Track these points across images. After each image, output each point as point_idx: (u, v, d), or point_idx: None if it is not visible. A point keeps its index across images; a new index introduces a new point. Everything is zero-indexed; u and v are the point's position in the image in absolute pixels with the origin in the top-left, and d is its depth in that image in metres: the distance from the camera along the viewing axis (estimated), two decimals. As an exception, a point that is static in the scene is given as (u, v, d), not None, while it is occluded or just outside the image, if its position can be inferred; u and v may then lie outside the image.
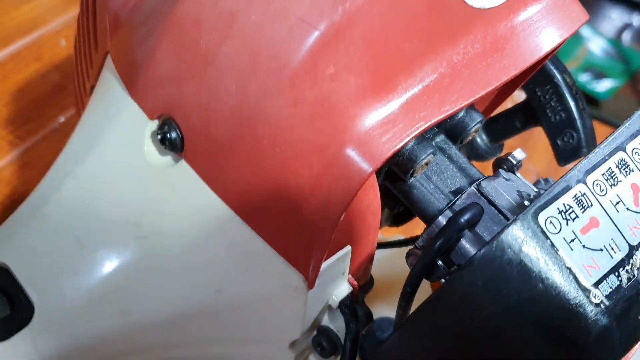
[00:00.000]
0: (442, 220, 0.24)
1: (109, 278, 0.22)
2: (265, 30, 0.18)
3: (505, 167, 0.26)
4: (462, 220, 0.22)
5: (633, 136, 0.21)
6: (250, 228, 0.21)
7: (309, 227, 0.20)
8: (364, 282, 0.25)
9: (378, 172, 0.25)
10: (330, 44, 0.18)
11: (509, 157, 0.26)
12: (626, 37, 1.15)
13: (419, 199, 0.24)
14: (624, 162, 0.21)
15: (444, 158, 0.25)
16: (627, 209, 0.20)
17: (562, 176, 0.20)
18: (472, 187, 0.24)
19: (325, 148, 0.19)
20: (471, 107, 0.26)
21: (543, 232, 0.19)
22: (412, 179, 0.24)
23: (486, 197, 0.23)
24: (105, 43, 0.24)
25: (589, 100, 1.33)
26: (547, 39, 0.22)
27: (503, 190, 0.24)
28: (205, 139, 0.20)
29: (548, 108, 0.30)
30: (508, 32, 0.21)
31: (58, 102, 0.48)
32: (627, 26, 1.20)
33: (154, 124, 0.22)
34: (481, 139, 0.33)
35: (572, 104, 0.29)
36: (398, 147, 0.19)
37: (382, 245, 0.31)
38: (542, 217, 0.19)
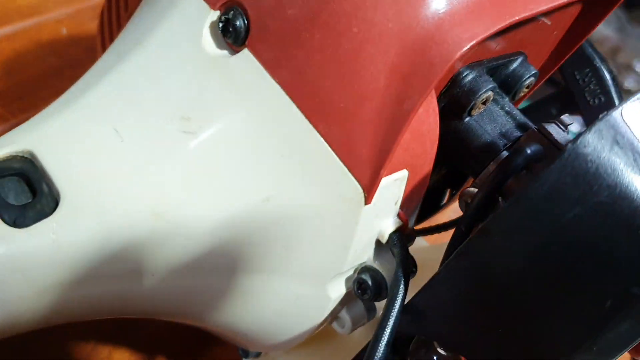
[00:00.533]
0: (505, 154, 0.22)
1: (144, 173, 0.19)
2: None
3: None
4: (529, 150, 0.21)
5: None
6: (312, 125, 0.19)
7: (377, 126, 0.19)
8: (410, 225, 0.23)
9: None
10: None
11: (561, 120, 0.26)
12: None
13: (477, 138, 0.23)
14: None
15: (498, 108, 0.24)
16: None
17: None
18: (533, 128, 0.23)
19: (405, 31, 0.18)
20: (526, 60, 0.25)
21: (632, 132, 0.18)
22: (469, 117, 0.23)
23: (548, 138, 0.22)
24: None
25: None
26: None
27: (563, 133, 0.23)
28: (276, 20, 0.19)
29: (587, 92, 0.29)
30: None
31: (53, 85, 0.46)
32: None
33: (215, 14, 0.20)
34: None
35: (612, 87, 0.29)
36: (484, 35, 0.18)
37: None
38: (627, 114, 0.18)
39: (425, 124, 0.21)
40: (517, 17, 0.19)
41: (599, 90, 0.29)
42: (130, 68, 0.21)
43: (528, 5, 0.19)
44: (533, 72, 0.25)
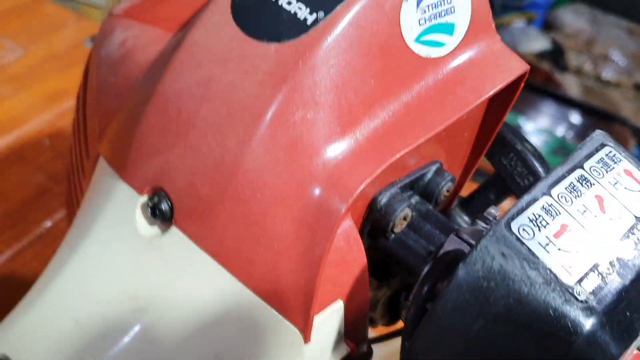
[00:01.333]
0: (426, 269, 0.24)
1: (105, 354, 0.22)
2: (238, 87, 0.21)
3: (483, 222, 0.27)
4: (447, 258, 0.23)
5: (588, 156, 0.23)
6: (243, 284, 0.22)
7: (296, 274, 0.21)
8: (361, 349, 0.25)
9: (361, 232, 0.26)
10: (296, 90, 0.20)
11: (486, 214, 0.27)
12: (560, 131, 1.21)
13: (403, 254, 0.25)
14: (584, 178, 0.22)
15: (421, 218, 0.27)
16: (595, 215, 0.21)
17: (527, 191, 0.21)
18: (452, 234, 0.25)
19: (301, 189, 0.21)
20: (441, 168, 0.27)
21: (518, 239, 0.19)
22: (393, 235, 0.25)
23: (466, 241, 0.24)
24: (95, 147, 0.26)
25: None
26: (490, 83, 0.24)
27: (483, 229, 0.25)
28: (194, 200, 0.22)
29: (516, 174, 0.31)
30: (455, 77, 0.23)
31: (43, 206, 0.48)
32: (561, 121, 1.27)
33: (143, 198, 0.23)
34: (462, 219, 0.34)
35: (537, 166, 0.31)
36: (368, 180, 0.21)
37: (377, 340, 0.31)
38: (514, 226, 0.20)
39: (349, 254, 0.23)
40: (397, 155, 0.21)
41: (526, 172, 0.31)
42: (81, 261, 0.23)
43: (406, 141, 0.22)
44: (448, 178, 0.27)
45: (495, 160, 0.32)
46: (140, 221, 0.23)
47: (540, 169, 0.31)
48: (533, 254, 0.19)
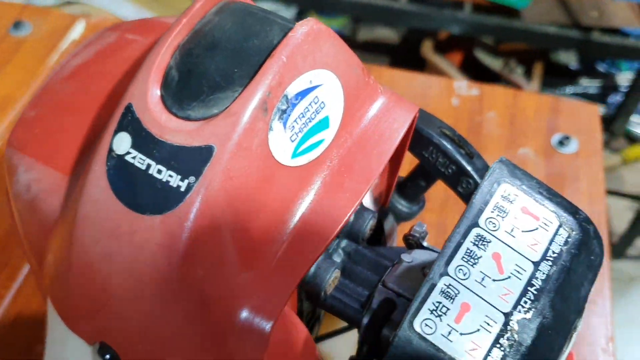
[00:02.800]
0: (365, 321, 0.27)
1: None
2: (137, 260, 0.22)
3: (412, 241, 0.29)
4: (380, 310, 0.25)
5: (482, 209, 0.24)
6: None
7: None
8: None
9: (300, 302, 0.28)
10: (190, 255, 0.21)
11: (412, 233, 0.29)
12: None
13: (340, 310, 0.27)
14: (480, 237, 0.23)
15: (352, 262, 0.28)
16: (494, 280, 0.23)
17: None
18: (380, 286, 0.27)
19: (226, 331, 0.22)
20: (360, 210, 0.29)
21: (421, 337, 0.21)
22: (327, 295, 0.27)
23: (393, 290, 0.26)
24: (40, 279, 0.28)
25: (510, 13, 1.35)
26: (386, 146, 0.25)
27: (407, 277, 0.27)
28: (136, 353, 0.24)
29: (439, 165, 0.32)
30: (346, 158, 0.24)
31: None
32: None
33: (95, 347, 0.25)
34: (400, 204, 0.36)
35: (457, 156, 0.32)
36: (285, 300, 0.22)
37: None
38: (417, 324, 0.22)
39: (290, 337, 0.26)
40: (304, 271, 0.23)
41: (447, 162, 0.32)
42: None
43: (309, 256, 0.23)
44: (369, 218, 0.28)
45: (417, 153, 0.33)
46: (97, 370, 0.25)
47: (461, 159, 0.32)
48: (437, 349, 0.21)
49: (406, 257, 0.27)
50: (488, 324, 0.22)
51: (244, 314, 0.22)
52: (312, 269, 0.26)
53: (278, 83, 0.21)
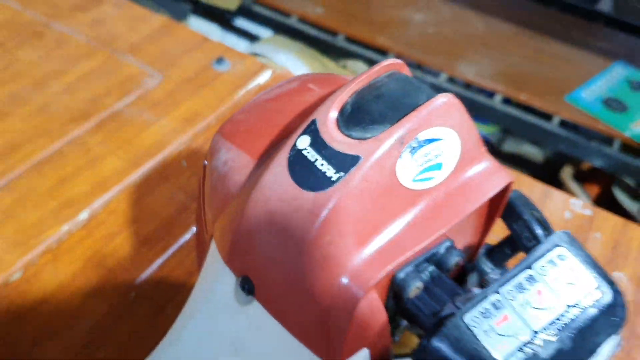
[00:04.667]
0: (431, 324, 0.35)
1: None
2: (291, 218, 0.32)
3: (485, 283, 0.37)
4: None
5: (538, 258, 0.32)
6: (298, 340, 0.34)
7: (332, 334, 0.33)
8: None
9: (387, 297, 0.37)
10: (326, 224, 0.31)
11: (486, 279, 0.37)
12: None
13: (414, 313, 0.36)
14: (530, 276, 0.31)
15: (434, 283, 0.37)
16: (532, 307, 0.30)
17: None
18: (449, 302, 0.35)
19: (333, 285, 0.32)
20: (451, 246, 0.37)
21: (467, 326, 0.30)
22: (409, 299, 0.36)
23: (458, 307, 0.35)
24: (211, 228, 0.39)
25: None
26: (475, 198, 0.34)
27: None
28: (267, 288, 0.34)
29: (523, 238, 0.40)
30: (446, 197, 0.33)
31: (183, 221, 0.63)
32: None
33: (239, 279, 0.36)
34: (486, 266, 0.44)
35: (539, 233, 0.40)
36: (378, 278, 0.32)
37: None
38: (467, 317, 0.30)
39: (372, 318, 0.34)
40: (399, 259, 0.32)
41: (531, 237, 0.40)
42: (200, 322, 0.37)
43: (405, 249, 0.32)
44: (455, 255, 0.37)
45: (508, 224, 0.41)
46: (238, 294, 0.36)
47: (542, 236, 0.40)
48: (476, 338, 0.29)
49: (476, 290, 0.35)
50: (518, 334, 0.30)
51: (345, 280, 0.32)
52: (402, 274, 0.35)
53: (415, 129, 0.32)
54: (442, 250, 0.37)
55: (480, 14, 1.85)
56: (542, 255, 0.32)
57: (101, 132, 0.73)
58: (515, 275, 0.31)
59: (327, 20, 1.78)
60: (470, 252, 0.42)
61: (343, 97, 0.34)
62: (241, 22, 1.86)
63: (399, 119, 0.32)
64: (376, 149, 0.31)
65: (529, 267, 0.32)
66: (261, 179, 0.34)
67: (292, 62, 1.57)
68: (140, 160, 0.69)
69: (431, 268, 0.37)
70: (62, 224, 0.62)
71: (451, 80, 1.65)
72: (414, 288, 0.35)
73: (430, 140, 0.32)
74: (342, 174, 0.31)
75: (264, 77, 0.83)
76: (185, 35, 0.88)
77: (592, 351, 0.30)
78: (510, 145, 1.96)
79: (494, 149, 1.85)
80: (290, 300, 0.33)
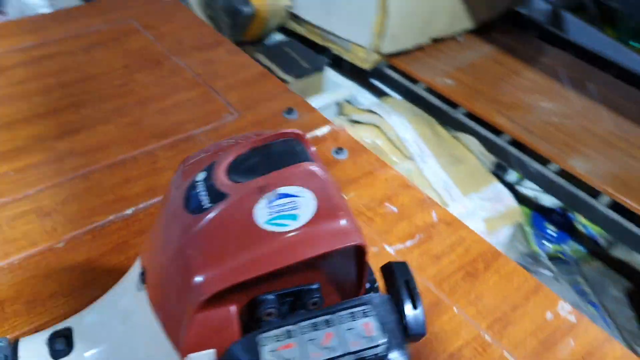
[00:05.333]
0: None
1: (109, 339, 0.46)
2: (176, 229, 0.43)
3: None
4: None
5: (345, 308, 0.39)
6: (164, 331, 0.44)
7: (180, 333, 0.42)
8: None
9: (243, 312, 0.45)
10: (191, 239, 0.41)
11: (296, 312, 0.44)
12: None
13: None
14: (327, 321, 0.38)
15: (290, 315, 0.45)
16: (317, 345, 0.38)
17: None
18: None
19: (184, 287, 0.42)
20: (315, 289, 0.45)
21: (258, 343, 0.38)
22: (259, 319, 0.44)
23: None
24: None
25: None
26: (320, 247, 0.42)
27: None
28: (150, 279, 0.44)
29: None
30: (295, 241, 0.42)
31: None
32: None
33: (141, 270, 0.47)
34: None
35: (404, 299, 0.46)
36: (215, 290, 0.41)
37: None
38: (262, 336, 0.38)
39: (220, 324, 0.43)
40: (235, 281, 0.41)
41: (397, 300, 0.46)
42: (115, 297, 0.48)
43: (247, 274, 0.41)
44: (314, 296, 0.44)
45: (386, 280, 0.47)
46: (138, 280, 0.47)
47: (404, 299, 0.46)
48: (259, 352, 0.37)
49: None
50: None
51: (194, 283, 0.41)
52: (262, 298, 0.44)
53: (275, 182, 0.41)
54: (307, 288, 0.45)
55: (611, 112, 1.81)
56: (349, 307, 0.39)
57: (172, 149, 0.88)
58: (318, 316, 0.39)
59: (453, 93, 1.85)
60: (346, 293, 0.49)
61: (241, 149, 0.44)
62: (374, 80, 1.99)
63: (267, 174, 0.41)
64: (240, 192, 0.41)
65: (332, 313, 0.39)
66: (171, 196, 0.45)
67: (402, 125, 1.66)
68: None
69: (290, 300, 0.45)
70: (110, 214, 0.77)
71: (562, 172, 1.63)
72: (266, 311, 0.44)
73: (287, 195, 0.41)
74: (212, 205, 0.41)
75: (322, 131, 0.94)
76: (272, 85, 1.03)
77: None
78: (621, 252, 1.87)
79: (601, 253, 1.78)
80: (160, 291, 0.43)
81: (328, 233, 0.42)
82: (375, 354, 0.37)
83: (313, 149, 0.45)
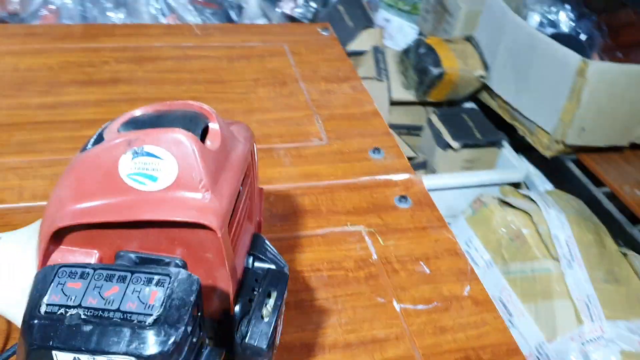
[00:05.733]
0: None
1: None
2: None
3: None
4: None
5: (145, 271, 0.37)
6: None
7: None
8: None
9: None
10: (68, 173, 0.44)
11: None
12: None
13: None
14: (123, 277, 0.37)
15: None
16: (99, 292, 0.36)
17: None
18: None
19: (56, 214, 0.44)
20: (178, 264, 0.43)
21: (55, 273, 0.38)
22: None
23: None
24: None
25: None
26: (168, 214, 0.41)
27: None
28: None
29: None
30: (149, 201, 0.41)
31: None
32: None
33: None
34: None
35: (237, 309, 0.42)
36: (67, 223, 0.42)
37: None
38: (62, 269, 0.38)
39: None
40: (104, 219, 0.42)
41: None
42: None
43: (103, 217, 0.42)
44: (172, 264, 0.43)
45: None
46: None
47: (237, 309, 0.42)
48: (50, 281, 0.37)
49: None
50: (71, 298, 0.36)
51: (51, 210, 0.43)
52: (123, 252, 0.44)
53: (144, 139, 0.41)
54: (168, 260, 0.44)
55: None
56: (150, 272, 0.37)
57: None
58: (119, 270, 0.38)
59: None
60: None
61: (149, 109, 0.45)
62: (551, 169, 1.84)
63: (146, 129, 0.42)
64: (113, 139, 0.42)
65: (132, 272, 0.37)
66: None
67: (559, 222, 1.51)
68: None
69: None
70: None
71: None
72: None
73: (150, 154, 0.41)
74: (91, 147, 0.43)
75: (398, 177, 0.90)
76: (376, 125, 1.02)
77: (97, 351, 0.34)
78: None
79: None
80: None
81: (178, 203, 0.41)
82: (140, 322, 0.35)
83: (215, 127, 0.44)
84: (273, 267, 0.48)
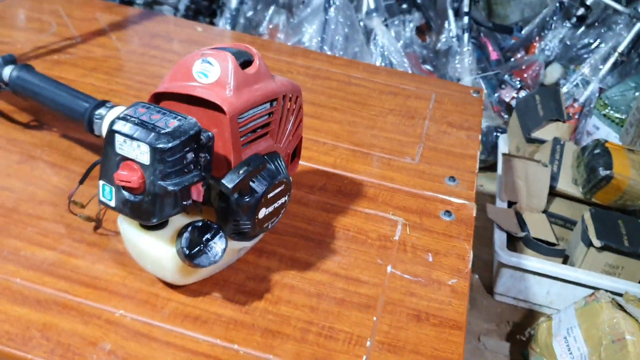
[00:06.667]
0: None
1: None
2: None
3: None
4: None
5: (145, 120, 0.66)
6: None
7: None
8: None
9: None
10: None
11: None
12: None
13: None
14: (145, 121, 0.66)
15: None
16: (151, 121, 0.66)
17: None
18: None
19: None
20: (209, 136, 0.71)
21: (135, 113, 0.68)
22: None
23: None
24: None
25: None
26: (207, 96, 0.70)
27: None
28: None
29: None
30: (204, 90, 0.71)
31: None
32: None
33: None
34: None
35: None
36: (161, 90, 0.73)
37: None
38: (137, 108, 0.68)
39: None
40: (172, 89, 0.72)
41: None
42: None
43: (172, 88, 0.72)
44: (207, 135, 0.70)
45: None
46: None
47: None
48: (141, 118, 0.68)
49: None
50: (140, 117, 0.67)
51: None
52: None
53: (209, 54, 0.71)
54: (203, 131, 0.72)
55: None
56: (176, 114, 0.66)
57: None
58: (164, 110, 0.67)
59: None
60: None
61: (218, 45, 0.75)
62: None
63: (211, 49, 0.72)
64: (197, 52, 0.73)
65: (169, 112, 0.66)
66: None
67: (570, 324, 1.47)
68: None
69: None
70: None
71: None
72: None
73: (209, 62, 0.71)
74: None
75: (458, 200, 1.08)
76: (467, 164, 1.20)
77: (134, 139, 0.63)
78: None
79: None
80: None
81: (213, 92, 0.70)
82: (159, 132, 0.63)
83: (255, 63, 0.72)
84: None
